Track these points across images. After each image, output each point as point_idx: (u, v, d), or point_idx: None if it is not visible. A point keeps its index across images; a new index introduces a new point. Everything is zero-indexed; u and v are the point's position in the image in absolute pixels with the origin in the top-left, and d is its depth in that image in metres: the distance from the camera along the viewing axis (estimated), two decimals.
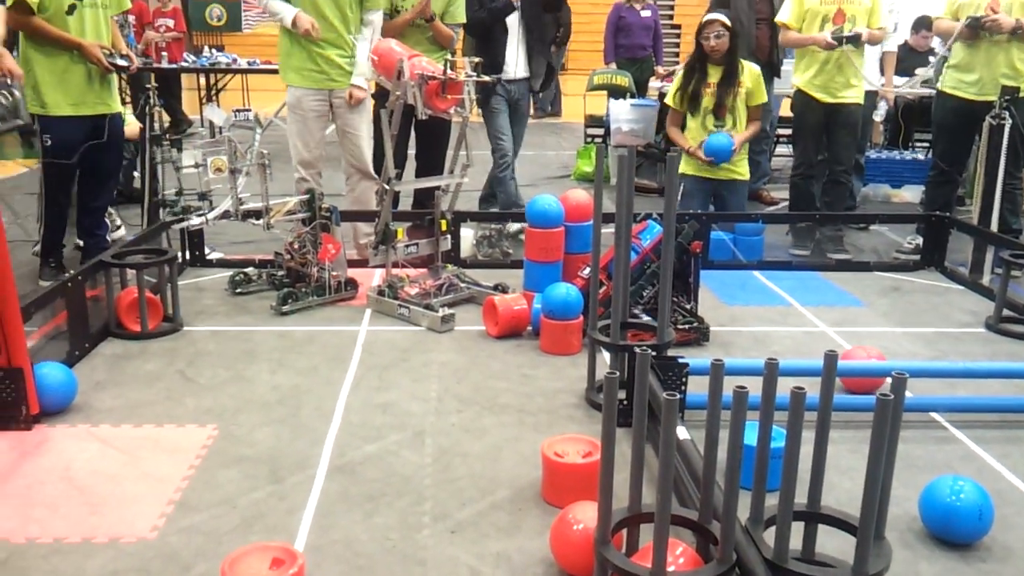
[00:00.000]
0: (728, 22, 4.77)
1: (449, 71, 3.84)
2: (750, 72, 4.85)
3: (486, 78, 4.03)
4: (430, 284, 4.09)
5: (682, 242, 3.66)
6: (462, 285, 4.19)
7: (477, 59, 4.07)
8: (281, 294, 3.94)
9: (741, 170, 4.98)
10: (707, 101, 4.83)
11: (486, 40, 5.36)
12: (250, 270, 4.29)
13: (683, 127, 4.99)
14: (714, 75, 4.84)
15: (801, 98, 5.19)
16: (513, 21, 5.39)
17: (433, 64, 3.94)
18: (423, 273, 4.21)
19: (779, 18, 5.21)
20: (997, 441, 2.87)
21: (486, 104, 5.47)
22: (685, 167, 5.00)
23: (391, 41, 4.17)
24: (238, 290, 4.20)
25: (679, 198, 5.06)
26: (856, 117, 5.16)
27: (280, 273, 4.22)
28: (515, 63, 5.41)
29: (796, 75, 5.22)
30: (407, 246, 4.11)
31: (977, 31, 4.70)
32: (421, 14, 4.91)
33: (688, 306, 3.75)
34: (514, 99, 5.48)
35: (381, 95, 4.99)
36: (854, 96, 5.07)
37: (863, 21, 4.97)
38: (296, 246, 4.14)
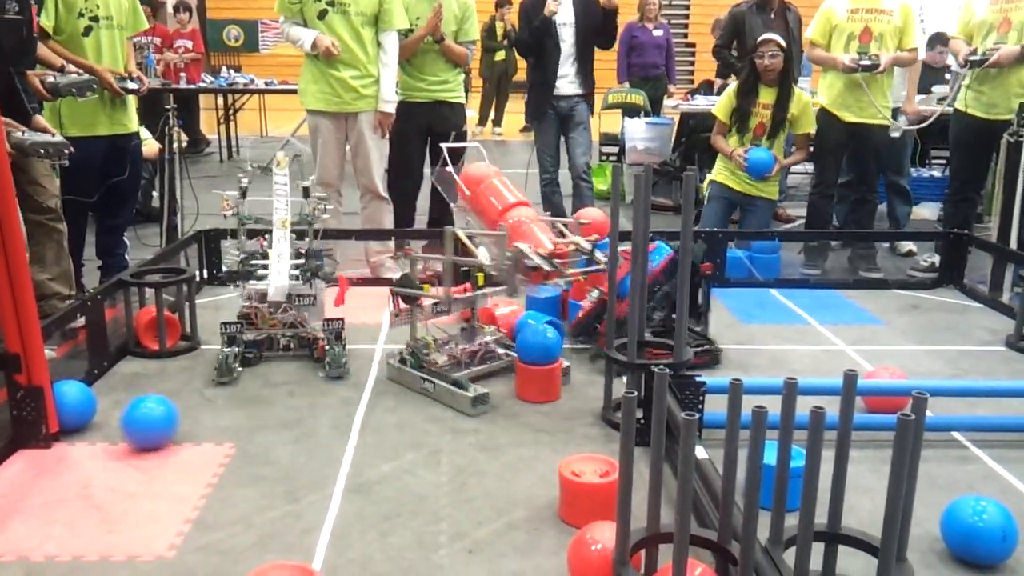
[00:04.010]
0: (783, 43, 4.77)
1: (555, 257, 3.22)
2: (798, 99, 4.86)
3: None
4: (462, 351, 3.42)
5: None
6: (500, 352, 3.51)
7: (591, 244, 3.38)
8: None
9: (770, 190, 4.98)
10: (754, 121, 4.86)
11: (538, 58, 5.44)
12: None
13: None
14: (766, 96, 4.86)
15: (824, 116, 5.15)
16: (568, 37, 5.45)
17: (540, 238, 3.31)
18: (454, 336, 3.53)
19: (807, 34, 5.20)
20: (1019, 460, 2.83)
21: (537, 121, 5.62)
22: (716, 175, 5.02)
23: (488, 175, 3.62)
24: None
25: (705, 201, 5.08)
26: (881, 137, 5.10)
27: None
28: (567, 79, 5.49)
29: (820, 93, 5.21)
30: (436, 305, 3.40)
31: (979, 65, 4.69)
32: (432, 33, 4.95)
33: (698, 329, 3.70)
34: (564, 113, 5.55)
35: (401, 115, 5.00)
36: (879, 116, 5.00)
37: (892, 40, 4.90)
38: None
